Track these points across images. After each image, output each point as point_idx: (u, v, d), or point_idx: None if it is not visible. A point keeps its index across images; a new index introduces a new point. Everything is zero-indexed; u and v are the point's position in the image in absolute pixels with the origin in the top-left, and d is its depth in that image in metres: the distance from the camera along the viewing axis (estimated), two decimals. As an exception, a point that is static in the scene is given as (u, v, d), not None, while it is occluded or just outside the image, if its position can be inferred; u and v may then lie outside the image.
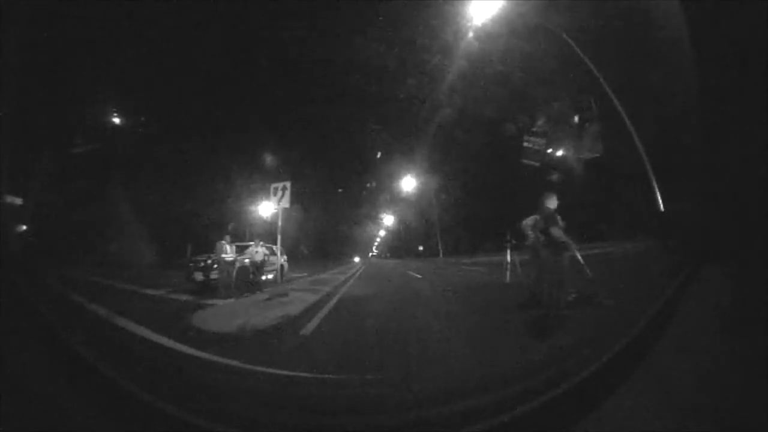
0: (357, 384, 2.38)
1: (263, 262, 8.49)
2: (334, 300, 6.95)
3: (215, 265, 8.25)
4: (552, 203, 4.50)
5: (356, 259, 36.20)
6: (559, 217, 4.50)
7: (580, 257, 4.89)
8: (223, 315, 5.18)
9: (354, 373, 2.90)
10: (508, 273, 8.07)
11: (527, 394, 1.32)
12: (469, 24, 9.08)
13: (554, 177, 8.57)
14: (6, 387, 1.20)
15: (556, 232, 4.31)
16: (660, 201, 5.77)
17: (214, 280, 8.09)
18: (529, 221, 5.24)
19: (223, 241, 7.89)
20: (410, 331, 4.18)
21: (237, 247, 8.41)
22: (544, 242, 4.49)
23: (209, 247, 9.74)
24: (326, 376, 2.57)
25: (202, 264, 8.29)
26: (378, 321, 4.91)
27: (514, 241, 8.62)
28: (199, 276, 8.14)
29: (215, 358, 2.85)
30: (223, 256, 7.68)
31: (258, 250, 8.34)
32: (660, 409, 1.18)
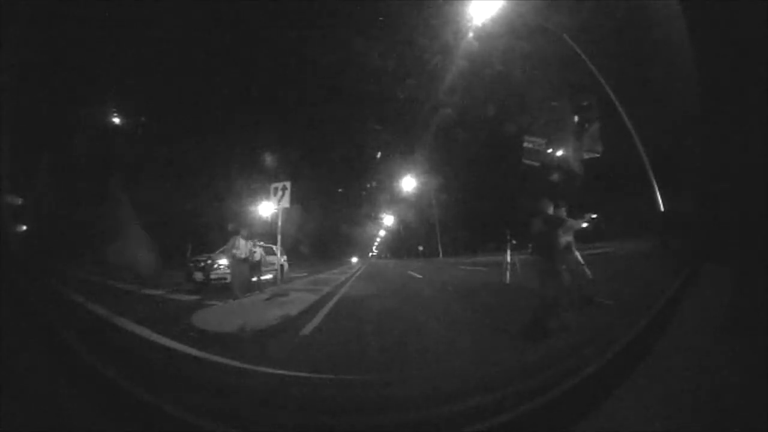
0: (357, 384, 2.38)
1: (260, 262, 8.48)
2: (334, 300, 6.95)
3: (215, 265, 8.20)
4: (547, 207, 4.39)
5: (354, 260, 33.59)
6: (566, 220, 4.38)
7: (580, 257, 4.88)
8: (223, 315, 5.18)
9: (354, 373, 2.90)
10: (508, 273, 8.07)
11: (527, 394, 1.32)
12: (469, 24, 9.09)
13: (554, 177, 8.57)
14: (6, 387, 1.20)
15: (561, 230, 4.23)
16: (660, 201, 5.77)
17: (215, 280, 8.06)
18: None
19: (239, 236, 7.26)
20: (410, 331, 4.18)
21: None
22: (538, 247, 4.39)
23: (209, 247, 9.73)
24: (326, 376, 2.57)
25: (202, 264, 8.28)
26: (378, 321, 4.92)
27: (514, 241, 8.63)
28: (199, 276, 8.13)
29: (215, 358, 2.85)
30: (235, 252, 7.06)
31: (256, 250, 8.33)
32: (660, 409, 1.18)
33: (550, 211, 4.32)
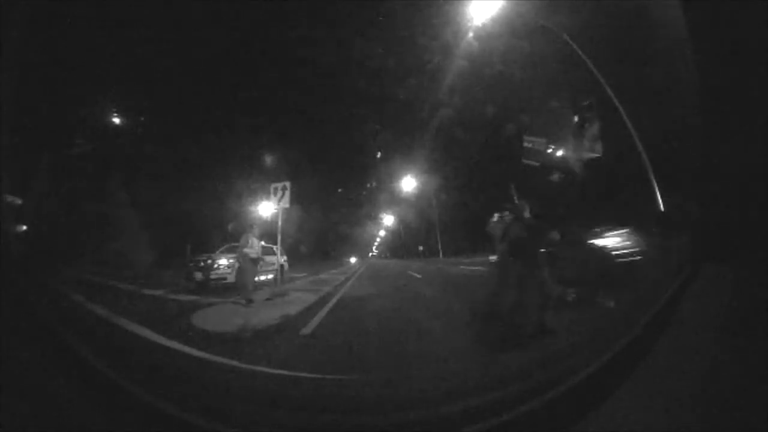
0: (357, 384, 2.38)
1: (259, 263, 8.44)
2: (334, 300, 6.96)
3: (215, 265, 8.16)
4: (524, 209, 3.93)
5: (353, 260, 32.83)
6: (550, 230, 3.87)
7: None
8: (223, 315, 5.18)
9: (354, 373, 2.90)
10: (508, 273, 8.04)
11: (527, 394, 1.32)
12: (469, 24, 9.09)
13: (554, 177, 8.58)
14: (6, 387, 1.20)
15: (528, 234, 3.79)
16: (660, 201, 5.77)
17: (215, 280, 8.05)
18: (496, 222, 4.44)
19: (250, 234, 6.67)
20: (410, 331, 4.19)
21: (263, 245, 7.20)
22: (510, 251, 3.95)
23: (209, 247, 9.73)
24: (326, 376, 2.57)
25: (202, 264, 8.28)
26: (378, 321, 4.91)
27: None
28: (199, 276, 8.13)
29: (215, 358, 2.85)
30: (246, 251, 6.49)
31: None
32: (660, 409, 1.18)
33: (527, 213, 3.96)
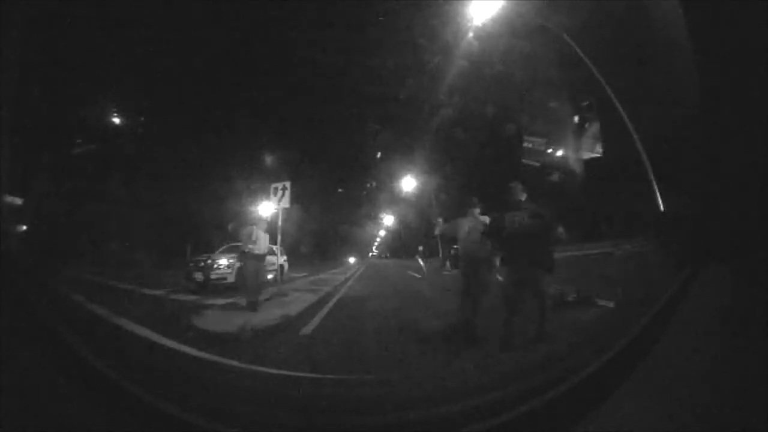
0: (357, 384, 2.38)
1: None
2: (334, 300, 6.96)
3: (215, 265, 8.14)
4: (520, 194, 3.57)
5: (351, 260, 32.21)
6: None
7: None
8: (223, 315, 5.18)
9: (354, 373, 2.90)
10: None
11: (527, 394, 1.31)
12: (469, 24, 9.07)
13: (554, 177, 8.58)
14: (6, 387, 1.20)
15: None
16: (660, 201, 5.77)
17: (215, 280, 8.04)
18: (467, 222, 4.29)
19: (255, 227, 5.80)
20: (410, 331, 4.18)
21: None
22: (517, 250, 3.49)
23: (209, 247, 9.74)
24: (326, 376, 2.58)
25: (202, 264, 8.29)
26: (378, 320, 4.92)
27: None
28: (199, 276, 8.13)
29: (215, 358, 2.85)
30: (251, 247, 5.65)
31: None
32: (660, 409, 1.18)
33: (523, 197, 3.59)
